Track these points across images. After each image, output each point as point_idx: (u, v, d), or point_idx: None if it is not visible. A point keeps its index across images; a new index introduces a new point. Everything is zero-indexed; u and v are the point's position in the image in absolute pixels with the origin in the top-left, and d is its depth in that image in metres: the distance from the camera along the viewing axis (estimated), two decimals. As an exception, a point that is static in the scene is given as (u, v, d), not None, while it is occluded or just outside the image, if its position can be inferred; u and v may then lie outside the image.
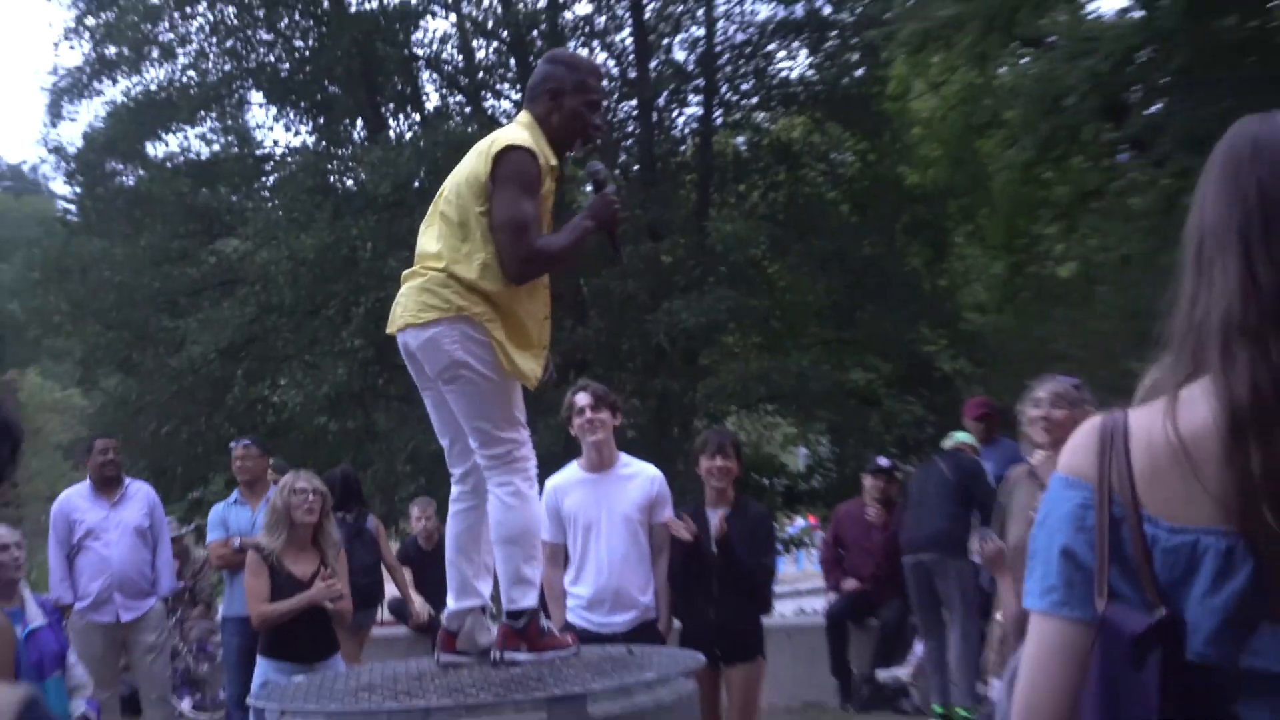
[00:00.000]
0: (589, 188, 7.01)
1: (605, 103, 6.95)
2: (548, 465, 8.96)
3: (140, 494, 12.34)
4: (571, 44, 27.05)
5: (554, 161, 6.77)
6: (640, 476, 9.42)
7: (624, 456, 9.54)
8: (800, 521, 29.98)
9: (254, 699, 6.94)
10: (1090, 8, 17.36)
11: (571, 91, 6.75)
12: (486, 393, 6.68)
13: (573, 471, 9.40)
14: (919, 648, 14.00)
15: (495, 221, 6.56)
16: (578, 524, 9.15)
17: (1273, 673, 2.36)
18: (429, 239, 6.78)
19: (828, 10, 26.52)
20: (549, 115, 6.77)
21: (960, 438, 14.11)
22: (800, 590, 29.78)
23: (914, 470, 14.50)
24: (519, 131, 6.73)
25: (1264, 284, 2.40)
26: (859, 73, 26.38)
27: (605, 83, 7.05)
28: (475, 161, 6.69)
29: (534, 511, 6.97)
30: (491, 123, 26.05)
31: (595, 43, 27.28)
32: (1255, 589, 2.35)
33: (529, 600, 6.83)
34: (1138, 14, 16.54)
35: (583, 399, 9.33)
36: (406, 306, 6.73)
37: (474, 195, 6.62)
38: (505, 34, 26.83)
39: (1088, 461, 2.53)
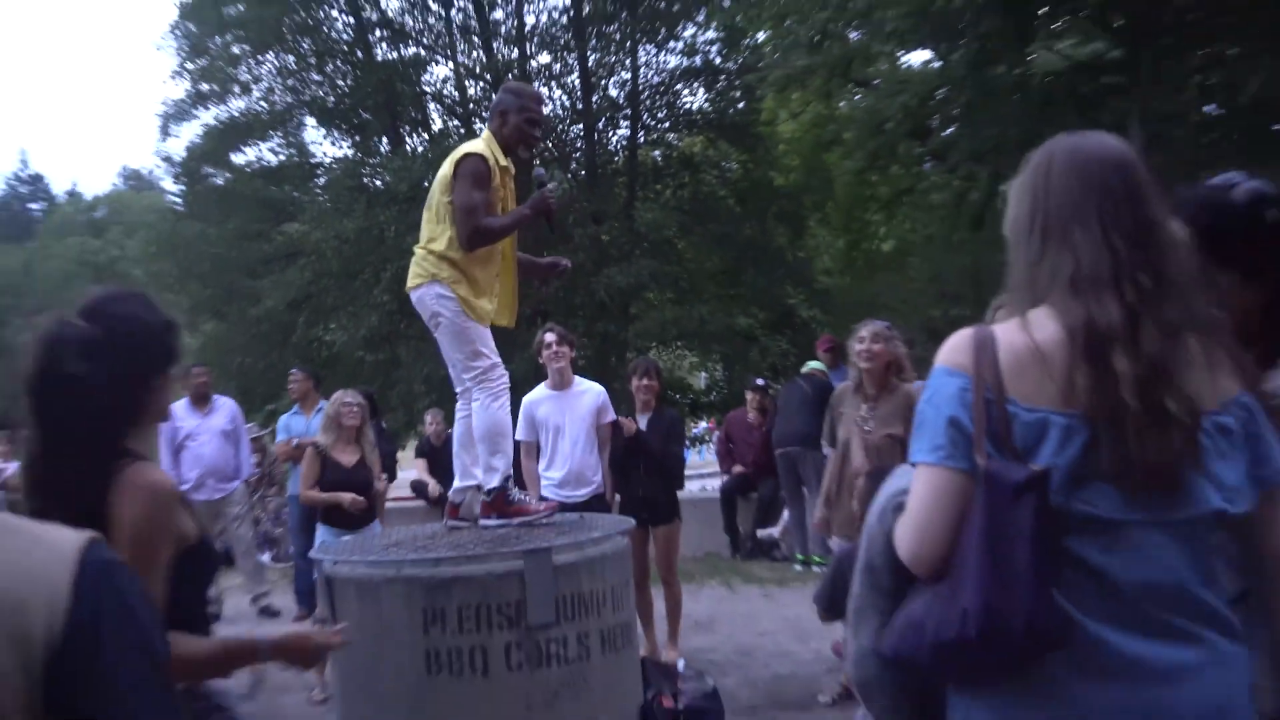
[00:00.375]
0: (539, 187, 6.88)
1: (542, 120, 6.76)
2: (523, 386, 9.08)
3: (225, 406, 12.36)
4: (536, 83, 26.84)
5: (504, 162, 6.73)
6: (590, 392, 9.45)
7: (578, 379, 9.55)
8: (702, 425, 29.91)
9: (314, 553, 6.96)
10: (903, 60, 17.26)
11: (516, 111, 6.71)
12: (457, 333, 6.68)
13: (541, 390, 9.43)
14: (786, 514, 14.27)
15: (454, 207, 6.56)
16: (548, 427, 9.20)
17: (1098, 516, 2.41)
18: (422, 225, 6.77)
19: (719, 60, 26.48)
20: (500, 129, 6.71)
21: (814, 365, 14.27)
22: (702, 474, 29.67)
23: (782, 388, 14.59)
24: (477, 142, 6.72)
25: (1117, 246, 2.46)
26: (740, 105, 26.19)
27: (546, 106, 6.81)
28: (446, 165, 6.68)
29: (497, 417, 6.87)
30: (479, 140, 26.00)
31: (553, 82, 27.07)
32: (1086, 455, 2.41)
33: (494, 480, 6.83)
34: (936, 64, 16.56)
35: (550, 337, 9.35)
36: (409, 274, 6.77)
37: (442, 190, 6.61)
38: (489, 76, 26.62)
39: (966, 359, 2.53)
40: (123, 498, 3.15)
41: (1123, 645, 2.42)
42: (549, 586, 6.20)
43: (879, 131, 16.65)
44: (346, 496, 9.31)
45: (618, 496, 9.74)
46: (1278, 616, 2.58)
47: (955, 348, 2.56)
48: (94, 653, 1.45)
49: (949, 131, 17.55)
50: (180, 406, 12.06)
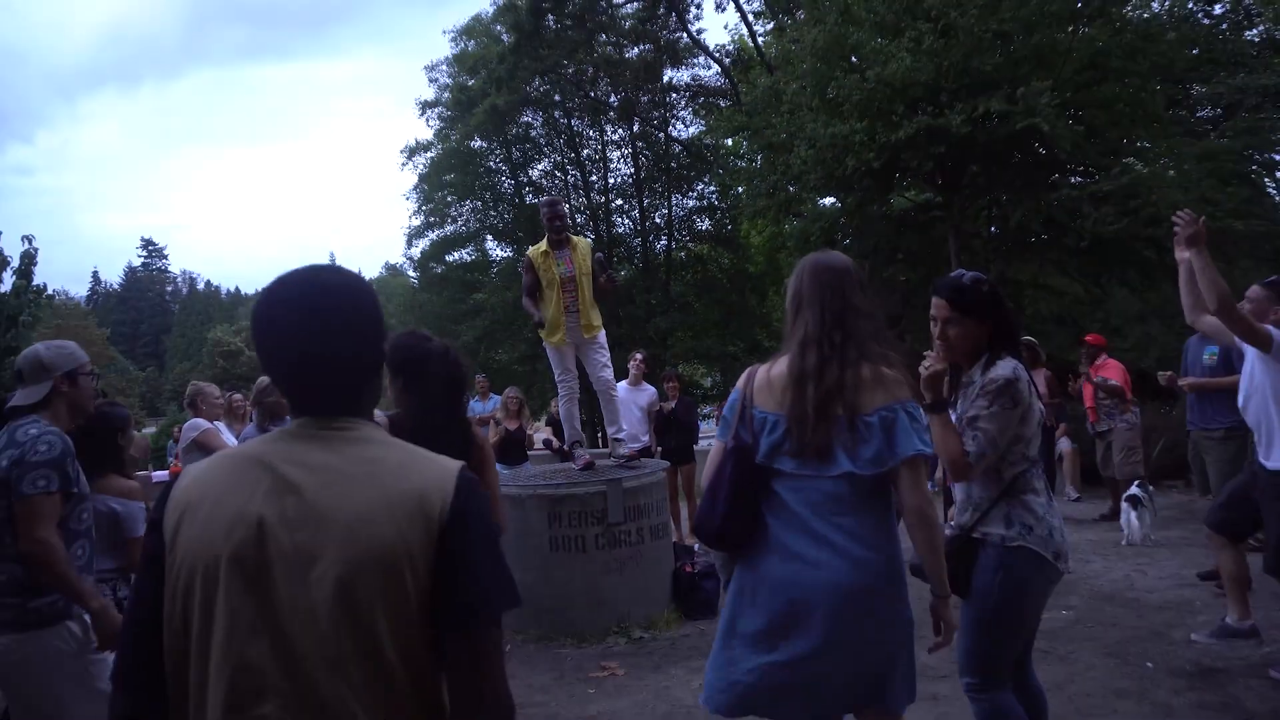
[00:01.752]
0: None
1: (553, 214, 6.37)
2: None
3: (492, 400, 11.93)
4: (614, 216, 26.75)
5: (544, 249, 6.31)
6: (649, 391, 9.49)
7: (644, 381, 9.53)
8: (709, 408, 29.72)
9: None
10: (821, 200, 17.08)
11: (543, 216, 6.37)
12: (550, 358, 6.64)
13: (624, 384, 9.31)
14: None
15: None
16: (626, 406, 9.08)
17: (785, 470, 2.51)
18: None
19: (716, 201, 26.18)
20: (543, 228, 6.36)
21: None
22: (707, 436, 29.53)
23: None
24: (533, 247, 6.43)
25: (825, 319, 2.55)
26: (729, 226, 25.89)
27: (559, 205, 6.44)
28: None
29: (566, 410, 6.70)
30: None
31: (623, 215, 27.05)
32: (784, 437, 2.52)
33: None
34: (838, 204, 16.44)
35: (639, 356, 9.49)
36: None
37: None
38: (588, 211, 26.51)
39: (741, 383, 2.68)
40: (474, 443, 3.36)
41: (790, 542, 2.47)
42: (621, 499, 6.23)
43: (807, 242, 16.53)
44: (538, 438, 9.43)
45: (659, 448, 9.72)
46: (912, 539, 2.55)
47: (740, 380, 2.67)
48: (464, 530, 1.43)
49: (846, 241, 17.44)
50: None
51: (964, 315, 2.99)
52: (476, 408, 11.73)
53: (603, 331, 6.69)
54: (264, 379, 5.59)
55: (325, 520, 1.41)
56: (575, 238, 6.54)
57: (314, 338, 1.48)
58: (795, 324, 2.62)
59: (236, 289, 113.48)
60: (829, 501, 2.47)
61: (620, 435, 6.98)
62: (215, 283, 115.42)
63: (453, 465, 1.50)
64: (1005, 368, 2.93)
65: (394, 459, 1.48)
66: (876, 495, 2.50)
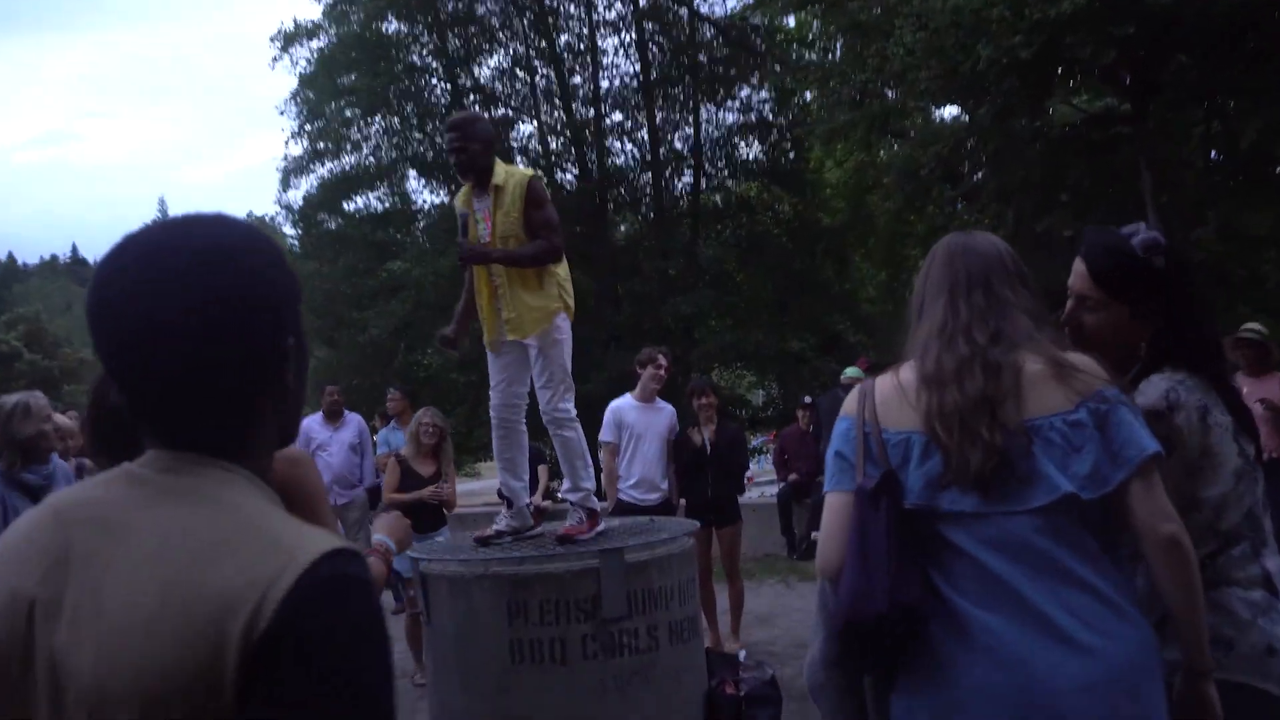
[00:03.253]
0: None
1: (458, 147, 6.18)
2: (600, 404, 9.04)
3: (354, 421, 12.24)
4: (609, 139, 27.06)
5: (462, 201, 6.52)
6: (667, 410, 9.49)
7: (658, 398, 9.57)
8: (761, 437, 29.79)
9: (413, 551, 6.90)
10: (936, 114, 17.16)
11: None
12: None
13: (628, 399, 9.41)
14: None
15: None
16: (632, 433, 9.19)
17: (961, 510, 2.57)
18: None
19: (770, 116, 26.48)
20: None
21: (852, 372, 14.12)
22: (760, 482, 29.58)
23: (823, 397, 14.42)
24: (461, 191, 6.57)
25: (960, 313, 2.74)
26: (791, 155, 26.23)
27: (457, 130, 6.16)
28: None
29: (503, 452, 6.87)
30: (559, 188, 26.12)
31: (624, 137, 27.23)
32: (944, 467, 2.60)
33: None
34: (965, 118, 16.47)
35: (663, 359, 9.43)
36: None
37: None
38: (568, 133, 26.77)
39: (851, 407, 2.80)
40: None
41: (995, 624, 2.51)
42: (622, 582, 6.17)
43: (915, 177, 16.64)
44: (425, 491, 9.41)
45: (683, 501, 9.70)
46: (1160, 586, 2.61)
47: (846, 402, 2.85)
48: (294, 668, 1.33)
49: (978, 176, 17.47)
50: (314, 420, 12.10)
51: (1113, 297, 3.05)
52: (394, 440, 11.77)
53: (553, 324, 6.53)
54: (20, 398, 5.59)
55: (97, 619, 1.41)
56: (506, 169, 6.44)
57: (156, 331, 1.47)
58: (919, 322, 2.83)
59: (10, 259, 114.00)
60: (1037, 550, 2.53)
61: (577, 495, 6.86)
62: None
63: (304, 551, 1.41)
64: (1155, 390, 2.96)
65: (213, 532, 1.43)
66: (1101, 529, 2.57)
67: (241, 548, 1.40)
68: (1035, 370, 2.62)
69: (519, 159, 27.88)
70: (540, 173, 6.73)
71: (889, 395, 2.75)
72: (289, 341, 1.56)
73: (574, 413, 6.78)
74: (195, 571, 1.38)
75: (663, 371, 9.41)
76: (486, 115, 26.45)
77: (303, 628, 1.34)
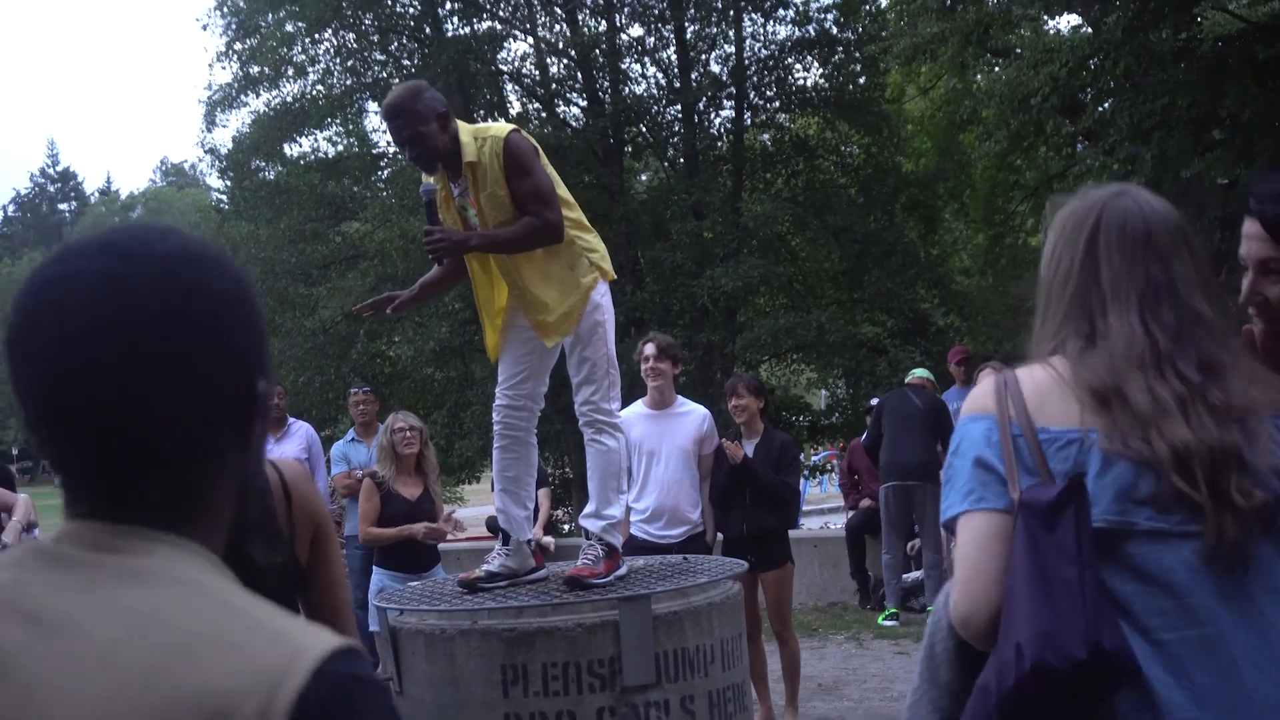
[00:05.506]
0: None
1: (405, 140, 6.12)
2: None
3: (300, 431, 12.18)
4: (627, 59, 27.04)
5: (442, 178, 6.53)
6: (693, 414, 9.42)
7: (680, 398, 9.52)
8: (824, 451, 29.85)
9: (378, 600, 6.93)
10: (1049, 24, 17.12)
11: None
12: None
13: (638, 408, 9.37)
14: (927, 554, 13.48)
15: None
16: (641, 451, 9.12)
17: (1165, 529, 2.53)
18: None
19: (835, 30, 26.47)
20: None
21: (919, 373, 14.02)
22: (823, 509, 29.69)
23: (883, 400, 14.22)
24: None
25: (1159, 340, 2.66)
26: (861, 80, 26.25)
27: (395, 118, 6.04)
28: None
29: (504, 471, 6.87)
30: (562, 125, 26.12)
31: (646, 58, 27.22)
32: (1136, 473, 2.54)
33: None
34: (1087, 29, 16.41)
35: (649, 349, 9.29)
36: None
37: None
38: (573, 53, 26.78)
39: (988, 401, 2.72)
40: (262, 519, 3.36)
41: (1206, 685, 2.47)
42: (648, 641, 6.16)
43: (1023, 108, 16.54)
44: (419, 527, 9.43)
45: (719, 536, 9.67)
46: None
47: (975, 397, 2.80)
48: None
49: (1104, 106, 17.40)
50: None
51: None
52: (354, 455, 11.82)
53: (589, 304, 6.54)
54: None
55: None
56: (475, 135, 6.41)
57: (115, 356, 1.50)
58: (1069, 313, 2.78)
59: None
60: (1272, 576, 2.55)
61: (598, 524, 6.84)
62: None
63: (312, 646, 1.47)
64: None
65: (187, 621, 1.47)
66: None
67: (229, 639, 1.44)
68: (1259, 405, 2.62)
69: (510, 85, 27.87)
70: (518, 127, 6.43)
71: (1046, 386, 2.71)
72: (260, 385, 1.60)
73: (619, 415, 6.83)
74: (173, 669, 1.41)
75: (651, 365, 9.30)
76: (468, 30, 26.53)
77: None
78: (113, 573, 1.49)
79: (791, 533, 10.20)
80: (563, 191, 6.43)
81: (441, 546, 10.67)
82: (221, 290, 1.56)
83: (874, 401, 15.40)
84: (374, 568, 9.69)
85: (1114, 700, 2.49)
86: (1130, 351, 2.65)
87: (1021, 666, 2.44)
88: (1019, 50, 17.04)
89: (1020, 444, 2.65)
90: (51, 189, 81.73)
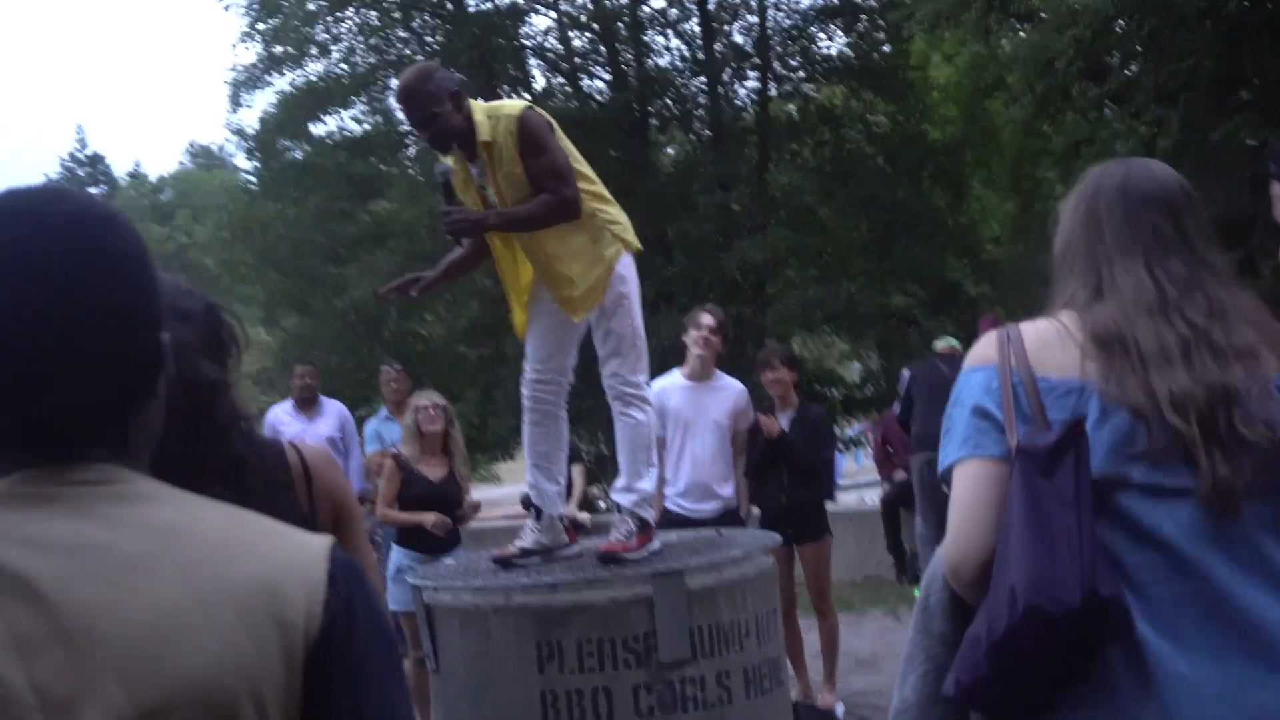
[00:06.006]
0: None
1: (417, 120, 6.09)
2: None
3: (333, 410, 12.30)
4: (650, 31, 26.98)
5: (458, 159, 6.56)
6: (730, 389, 9.41)
7: (718, 372, 9.48)
8: (858, 424, 29.73)
9: (413, 578, 6.93)
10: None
11: None
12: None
13: (676, 378, 9.36)
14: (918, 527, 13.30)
15: None
16: (678, 422, 9.13)
17: (1162, 483, 2.54)
18: None
19: (858, -2, 26.38)
20: None
21: (948, 341, 13.88)
22: (859, 483, 29.57)
23: (912, 370, 14.07)
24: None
25: (1167, 289, 2.70)
26: (886, 48, 26.10)
27: (405, 101, 6.00)
28: None
29: (535, 445, 6.91)
30: (586, 99, 26.06)
31: (668, 30, 27.13)
32: (1141, 436, 2.56)
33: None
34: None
35: (707, 320, 9.29)
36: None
37: None
38: (596, 26, 26.72)
39: (989, 351, 2.75)
40: (285, 496, 3.41)
41: (1199, 644, 2.46)
42: (682, 616, 6.19)
43: (1048, 72, 16.42)
44: (429, 516, 9.38)
45: (755, 510, 9.67)
46: None
47: (977, 348, 2.82)
48: (350, 644, 1.63)
49: (1130, 69, 17.31)
50: (283, 409, 12.14)
51: None
52: (388, 433, 11.83)
53: (614, 275, 6.53)
54: None
55: (91, 640, 1.49)
56: (488, 115, 6.38)
57: (37, 316, 1.58)
58: (1081, 271, 2.83)
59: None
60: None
61: (630, 497, 6.85)
62: None
63: (312, 539, 1.72)
64: None
65: (205, 527, 1.63)
66: None
67: (248, 539, 1.65)
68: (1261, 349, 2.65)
69: (533, 60, 27.78)
70: (531, 104, 6.35)
71: (1048, 336, 2.74)
72: (164, 338, 1.71)
73: (647, 388, 6.83)
74: (213, 567, 1.58)
75: (706, 335, 9.26)
76: (490, 4, 26.43)
77: (352, 605, 1.66)
78: (107, 497, 1.59)
79: (827, 506, 10.19)
80: (581, 165, 6.43)
81: (475, 524, 10.67)
82: (126, 248, 1.66)
83: (905, 372, 15.26)
84: (392, 545, 9.70)
85: (1104, 652, 2.49)
86: (1139, 299, 2.69)
87: (1014, 610, 2.44)
88: (1042, 14, 16.92)
89: (1019, 392, 2.66)
90: (81, 173, 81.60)
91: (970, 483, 2.68)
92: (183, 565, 1.54)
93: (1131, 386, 2.58)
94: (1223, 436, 2.52)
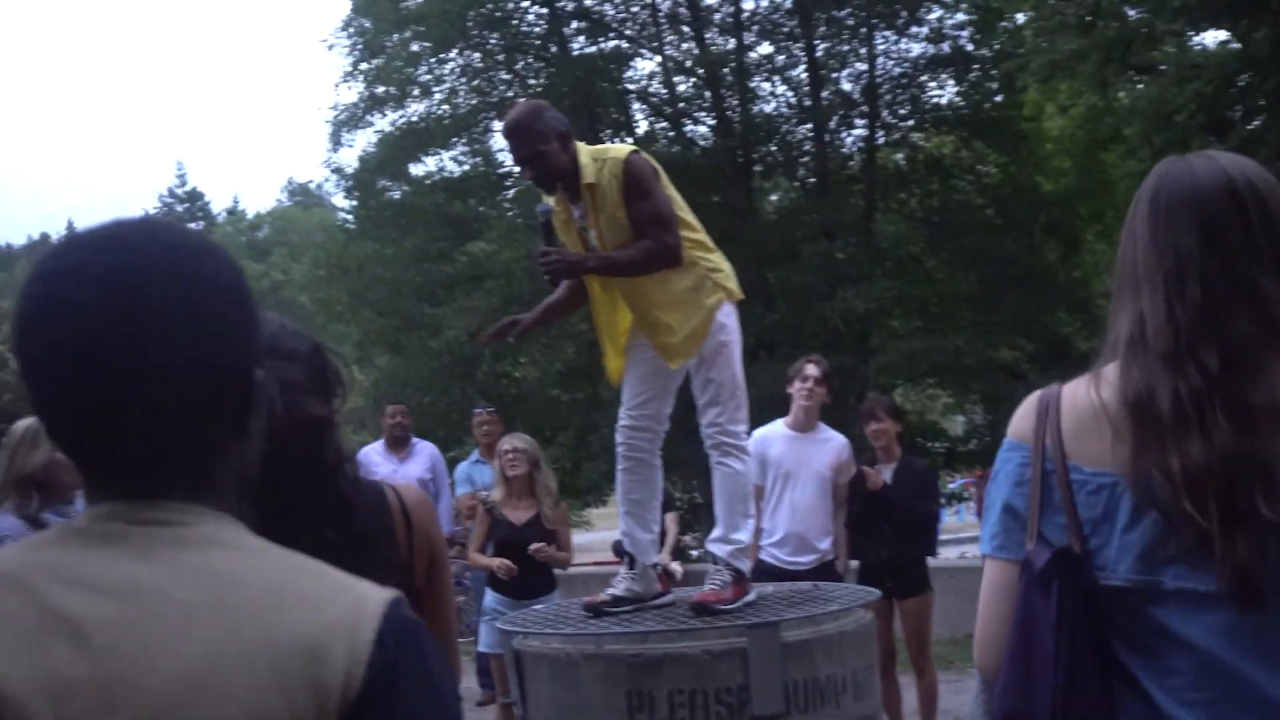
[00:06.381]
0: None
1: (524, 157, 6.14)
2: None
3: (424, 451, 12.36)
4: (756, 78, 27.09)
5: (560, 200, 6.53)
6: (834, 442, 9.40)
7: (822, 424, 9.48)
8: (960, 478, 29.58)
9: (501, 624, 6.99)
10: (1194, 39, 16.87)
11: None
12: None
13: (778, 427, 9.35)
14: None
15: None
16: (779, 471, 9.09)
17: (1194, 590, 2.39)
18: None
19: (970, 47, 26.34)
20: None
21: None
22: (960, 538, 29.43)
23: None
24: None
25: (1187, 297, 2.44)
26: (998, 98, 26.05)
27: (512, 136, 6.11)
28: None
29: (629, 494, 6.89)
30: (689, 144, 26.15)
31: (775, 76, 27.23)
32: (1172, 536, 2.40)
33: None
34: (1235, 44, 16.20)
35: (813, 370, 9.26)
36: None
37: None
38: (701, 71, 26.84)
39: (1027, 426, 2.60)
40: (385, 541, 3.41)
41: None
42: (777, 669, 6.12)
43: (1167, 126, 16.36)
44: (495, 562, 9.47)
45: (853, 563, 9.59)
46: None
47: (1019, 415, 2.65)
48: (392, 708, 1.58)
49: (1254, 125, 17.13)
50: (375, 450, 12.20)
51: None
52: (479, 476, 11.81)
53: (714, 324, 6.50)
54: (30, 423, 5.70)
55: (131, 688, 1.49)
56: (594, 157, 6.38)
57: (125, 340, 1.57)
58: (1122, 303, 2.57)
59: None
60: None
61: (725, 548, 6.81)
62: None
63: (372, 594, 1.65)
64: None
65: (262, 577, 1.60)
66: None
67: (303, 591, 1.60)
68: None
69: (637, 104, 27.95)
70: (638, 148, 6.39)
71: (1084, 416, 2.54)
72: (257, 374, 1.69)
73: (746, 437, 6.79)
74: (262, 619, 1.54)
75: (811, 386, 9.25)
76: (594, 48, 26.65)
77: (399, 664, 1.59)
78: (169, 540, 1.57)
79: (929, 561, 10.09)
80: (684, 213, 6.42)
81: (568, 570, 10.67)
82: (220, 281, 1.64)
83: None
84: (486, 589, 9.73)
85: None
86: (1157, 343, 2.46)
87: None
88: (1163, 66, 16.82)
89: (1052, 482, 2.54)
90: (179, 209, 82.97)
91: (989, 584, 2.66)
92: (228, 617, 1.53)
93: (1156, 474, 2.40)
94: (1243, 519, 2.35)
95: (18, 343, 1.60)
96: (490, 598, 9.60)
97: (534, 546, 9.38)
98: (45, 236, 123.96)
